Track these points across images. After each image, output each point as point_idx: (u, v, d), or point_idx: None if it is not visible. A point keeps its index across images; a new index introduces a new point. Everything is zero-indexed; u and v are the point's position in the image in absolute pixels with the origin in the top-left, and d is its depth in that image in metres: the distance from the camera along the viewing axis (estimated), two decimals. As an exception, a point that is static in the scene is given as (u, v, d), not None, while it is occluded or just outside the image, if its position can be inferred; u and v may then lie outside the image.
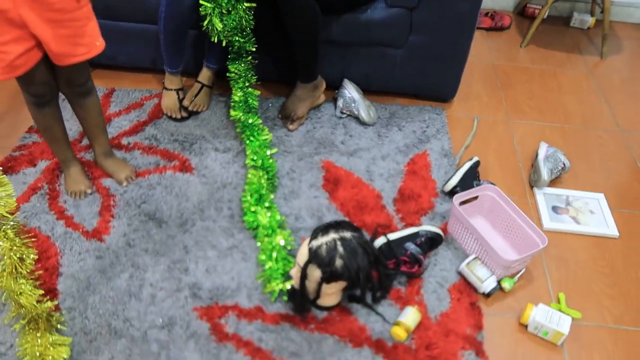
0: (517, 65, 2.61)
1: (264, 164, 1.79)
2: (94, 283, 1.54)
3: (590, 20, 2.91)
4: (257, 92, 1.98)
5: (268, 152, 1.83)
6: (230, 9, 1.78)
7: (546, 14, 2.84)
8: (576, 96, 2.42)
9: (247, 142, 1.86)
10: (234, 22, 1.81)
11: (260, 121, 1.91)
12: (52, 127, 1.65)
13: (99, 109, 1.72)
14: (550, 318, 1.46)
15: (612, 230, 1.79)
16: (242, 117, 1.89)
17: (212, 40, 1.84)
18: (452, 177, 1.85)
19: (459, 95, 2.32)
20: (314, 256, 1.33)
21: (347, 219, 1.74)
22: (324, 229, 1.37)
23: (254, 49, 1.92)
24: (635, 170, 2.05)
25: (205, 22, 1.81)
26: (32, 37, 1.32)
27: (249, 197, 1.69)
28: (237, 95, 1.93)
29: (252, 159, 1.79)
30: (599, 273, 1.67)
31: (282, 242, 1.56)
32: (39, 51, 1.37)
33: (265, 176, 1.76)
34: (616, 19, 3.01)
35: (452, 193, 1.83)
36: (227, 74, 1.97)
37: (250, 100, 1.94)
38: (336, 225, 1.37)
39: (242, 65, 1.95)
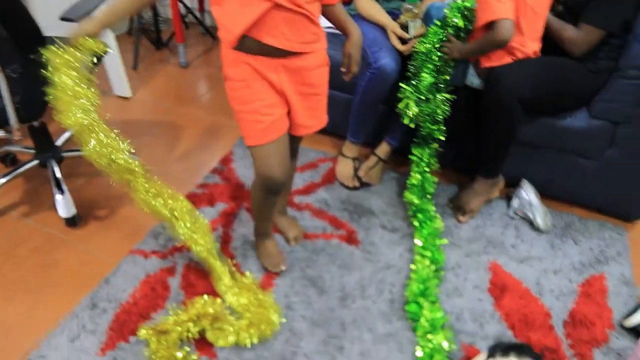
0: None
1: (433, 254, 1.74)
2: (251, 338, 1.58)
3: None
4: (435, 179, 1.96)
5: (438, 243, 1.78)
6: (429, 96, 1.80)
7: None
8: None
9: (418, 226, 1.84)
10: (429, 110, 1.82)
11: (435, 209, 1.88)
12: (268, 210, 1.68)
13: (294, 170, 1.80)
14: None
15: None
16: (417, 202, 1.87)
17: (404, 122, 1.86)
18: (636, 312, 1.67)
19: (644, 217, 2.13)
20: (490, 377, 1.25)
21: (512, 334, 1.64)
22: (504, 349, 1.28)
23: (442, 138, 1.92)
24: None
25: (401, 105, 1.84)
26: (285, 104, 1.40)
27: (414, 287, 1.65)
28: (415, 179, 1.93)
29: (421, 247, 1.76)
30: None
31: (445, 345, 1.50)
32: (287, 120, 1.44)
33: (433, 267, 1.71)
34: None
35: (633, 330, 1.66)
36: (410, 156, 1.98)
37: (427, 186, 1.93)
38: (518, 349, 1.28)
39: (427, 150, 1.95)
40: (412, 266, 1.74)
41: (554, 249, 1.95)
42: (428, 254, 1.74)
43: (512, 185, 2.11)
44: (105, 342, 1.54)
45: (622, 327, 1.69)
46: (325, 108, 1.54)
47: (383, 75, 1.86)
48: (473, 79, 1.88)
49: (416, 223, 1.86)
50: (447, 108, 1.84)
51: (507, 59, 1.80)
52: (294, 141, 1.61)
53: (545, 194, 2.10)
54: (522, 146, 2.00)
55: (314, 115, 1.49)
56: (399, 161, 2.19)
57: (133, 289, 1.70)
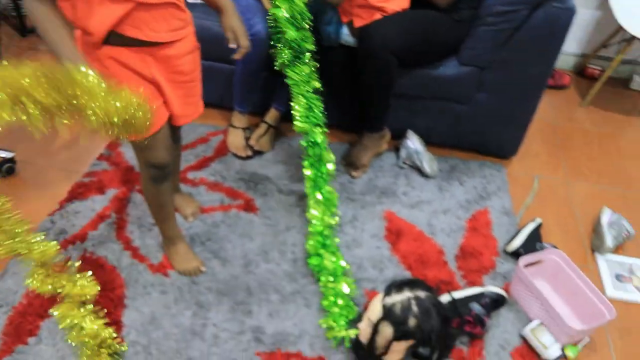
0: (576, 126, 2.60)
1: (325, 199, 1.73)
2: (158, 318, 1.56)
3: (651, 84, 2.90)
4: (321, 99, 1.75)
5: (326, 183, 1.75)
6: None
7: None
8: (638, 161, 2.40)
9: (309, 167, 1.75)
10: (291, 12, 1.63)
11: (326, 145, 1.78)
12: (165, 205, 1.60)
13: (180, 149, 1.76)
14: (620, 395, 1.42)
15: (679, 306, 1.75)
16: (309, 130, 1.72)
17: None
18: (515, 237, 1.84)
19: (519, 153, 2.32)
20: (387, 314, 1.33)
21: (410, 274, 1.74)
22: (397, 286, 1.37)
23: (313, 48, 1.72)
24: (701, 244, 2.01)
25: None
26: (160, 95, 1.34)
27: (313, 241, 1.68)
28: (299, 103, 1.72)
29: (313, 198, 1.73)
30: (666, 350, 1.62)
31: (346, 289, 1.56)
32: (166, 110, 1.38)
33: (328, 215, 1.72)
34: (676, 84, 2.99)
35: (514, 254, 1.82)
36: (287, 80, 1.74)
37: (315, 109, 1.72)
38: (410, 284, 1.37)
39: (305, 67, 1.71)
40: (309, 218, 1.72)
41: (442, 191, 2.08)
42: (320, 198, 1.72)
43: (398, 137, 2.21)
44: (0, 348, 1.47)
45: (506, 252, 1.85)
46: (201, 94, 1.49)
47: (259, 42, 1.85)
48: (347, 38, 1.94)
49: (308, 162, 1.76)
50: (306, 10, 1.64)
51: (377, 15, 1.86)
52: (175, 129, 1.57)
53: (429, 142, 2.22)
54: (402, 98, 2.09)
55: (189, 103, 1.44)
56: (289, 126, 2.21)
57: (26, 289, 1.61)
